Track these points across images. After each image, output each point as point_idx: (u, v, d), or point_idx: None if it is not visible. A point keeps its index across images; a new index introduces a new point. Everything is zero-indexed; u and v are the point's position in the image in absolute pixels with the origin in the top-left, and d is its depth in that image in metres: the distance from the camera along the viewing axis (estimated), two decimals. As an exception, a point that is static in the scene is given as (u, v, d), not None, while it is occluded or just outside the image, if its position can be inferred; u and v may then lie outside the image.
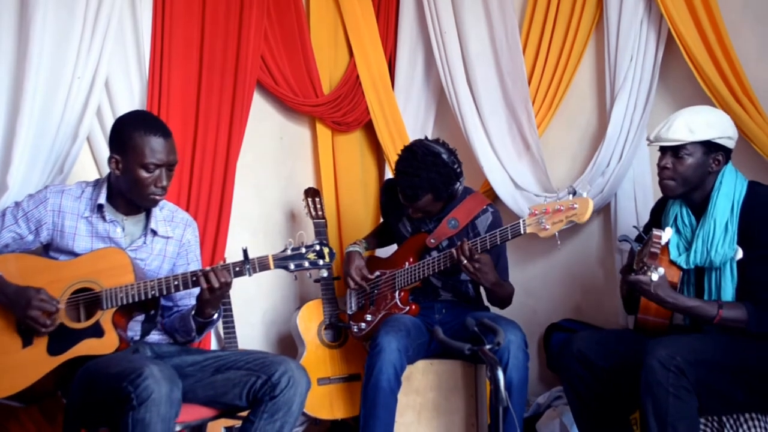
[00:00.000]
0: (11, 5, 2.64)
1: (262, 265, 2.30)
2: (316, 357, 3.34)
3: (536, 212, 2.59)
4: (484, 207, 2.97)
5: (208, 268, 2.30)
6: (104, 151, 2.93)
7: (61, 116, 2.73)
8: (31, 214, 2.36)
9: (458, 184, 2.87)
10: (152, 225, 2.46)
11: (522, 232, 2.60)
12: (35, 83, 2.62)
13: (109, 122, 2.91)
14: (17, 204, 2.39)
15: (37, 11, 2.60)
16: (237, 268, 2.29)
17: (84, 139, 2.84)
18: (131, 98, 3.00)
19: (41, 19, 2.61)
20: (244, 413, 2.36)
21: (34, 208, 2.36)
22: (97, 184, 2.46)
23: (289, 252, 2.32)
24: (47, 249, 2.41)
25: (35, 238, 2.38)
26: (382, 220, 3.32)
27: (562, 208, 2.53)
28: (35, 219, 2.36)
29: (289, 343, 3.56)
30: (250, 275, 2.30)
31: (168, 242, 2.51)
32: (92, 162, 2.98)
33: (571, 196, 2.55)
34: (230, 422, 3.00)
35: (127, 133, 2.32)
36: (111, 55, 2.86)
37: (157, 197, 2.37)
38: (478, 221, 2.95)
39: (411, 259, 2.97)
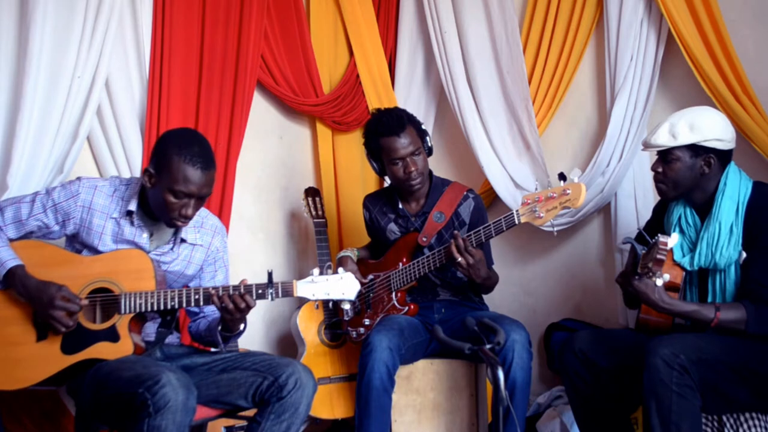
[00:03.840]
0: (11, 4, 2.64)
1: (286, 291, 2.28)
2: (316, 357, 3.33)
3: (529, 201, 2.60)
4: (464, 194, 3.01)
5: (231, 289, 2.26)
6: (104, 151, 2.94)
7: (61, 116, 2.72)
8: (60, 206, 2.31)
9: (427, 135, 3.00)
10: (182, 234, 2.42)
11: (516, 221, 2.61)
12: (35, 82, 2.62)
13: (109, 121, 2.92)
14: (48, 192, 2.33)
15: (37, 10, 2.60)
16: (260, 291, 2.28)
17: (84, 139, 2.84)
18: (131, 98, 3.00)
19: (41, 18, 2.61)
20: (246, 413, 2.36)
21: (65, 200, 2.31)
22: (130, 183, 2.40)
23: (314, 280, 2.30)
24: (71, 240, 2.37)
25: (61, 229, 2.34)
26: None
27: (554, 195, 2.55)
28: (64, 212, 2.31)
29: (288, 343, 3.56)
30: (272, 299, 2.28)
31: (195, 249, 2.47)
32: (92, 161, 2.97)
33: (562, 182, 2.55)
34: (230, 422, 3.00)
35: (168, 154, 2.24)
36: (111, 54, 2.86)
37: (179, 224, 2.32)
38: (461, 209, 2.98)
39: (404, 259, 2.96)
